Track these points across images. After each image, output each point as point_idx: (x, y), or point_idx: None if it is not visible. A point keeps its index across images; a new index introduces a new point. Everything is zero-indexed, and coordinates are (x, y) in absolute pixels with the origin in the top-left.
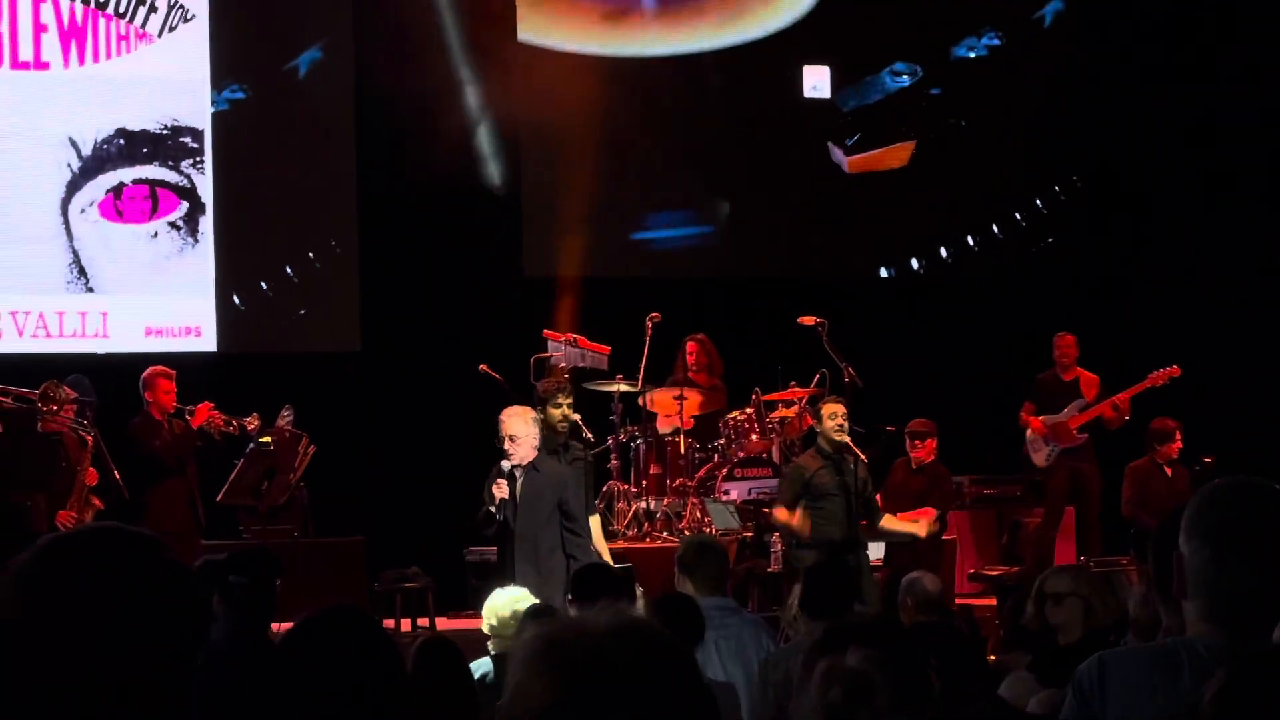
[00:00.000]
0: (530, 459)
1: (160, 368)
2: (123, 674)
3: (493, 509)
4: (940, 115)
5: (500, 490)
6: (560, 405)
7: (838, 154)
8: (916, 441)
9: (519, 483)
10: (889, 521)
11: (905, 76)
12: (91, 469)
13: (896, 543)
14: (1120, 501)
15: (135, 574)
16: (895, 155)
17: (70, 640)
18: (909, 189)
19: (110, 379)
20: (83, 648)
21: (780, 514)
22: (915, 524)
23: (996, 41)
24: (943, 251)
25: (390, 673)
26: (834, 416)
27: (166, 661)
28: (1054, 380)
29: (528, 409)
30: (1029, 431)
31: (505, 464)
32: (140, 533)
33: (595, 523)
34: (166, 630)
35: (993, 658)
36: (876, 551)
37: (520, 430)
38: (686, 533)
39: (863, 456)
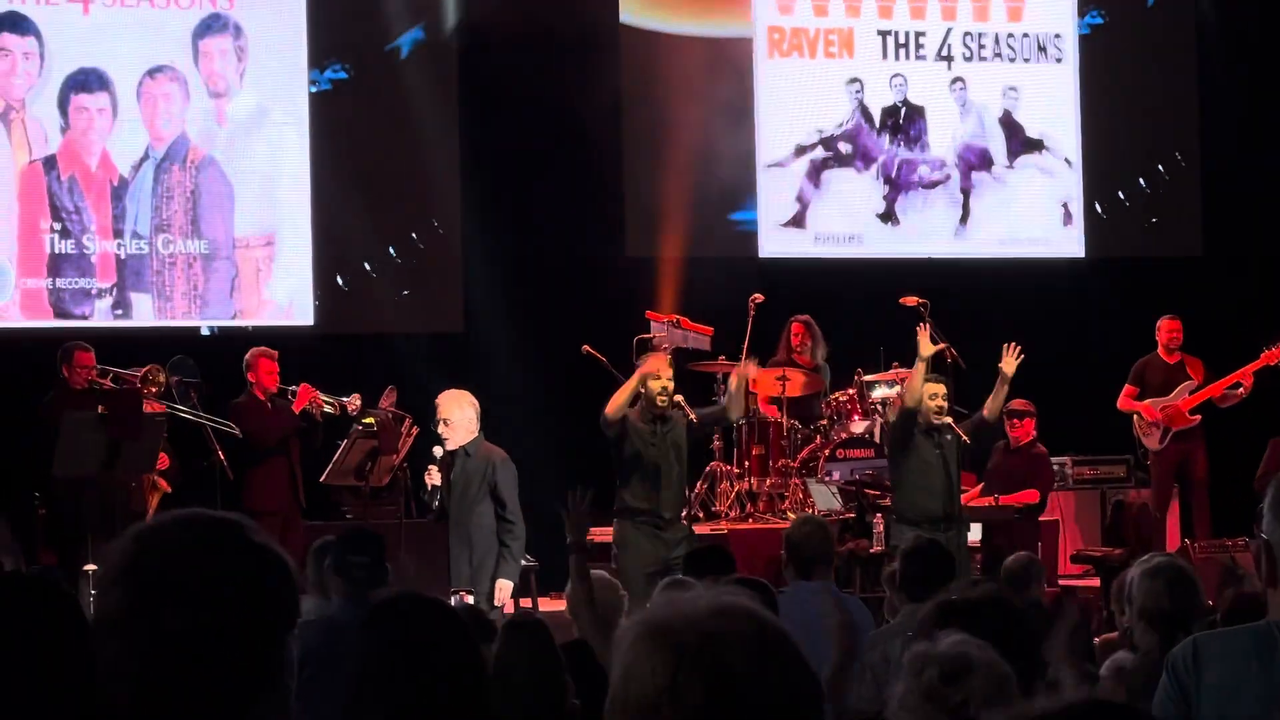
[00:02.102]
0: (464, 443)
1: (263, 348)
2: (218, 653)
3: (424, 496)
4: None
5: (431, 477)
6: (659, 379)
7: None
8: (1014, 421)
9: (452, 468)
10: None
11: None
12: (163, 453)
13: (993, 523)
14: (1228, 484)
15: (223, 557)
16: None
17: (164, 626)
18: None
19: (215, 359)
20: (177, 632)
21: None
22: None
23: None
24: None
25: (459, 658)
26: (934, 397)
27: (259, 639)
28: (1158, 363)
29: (464, 393)
30: (1138, 417)
31: (438, 450)
32: (224, 516)
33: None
34: (257, 609)
35: (1097, 639)
36: (974, 533)
37: (455, 414)
38: (790, 514)
39: (964, 437)
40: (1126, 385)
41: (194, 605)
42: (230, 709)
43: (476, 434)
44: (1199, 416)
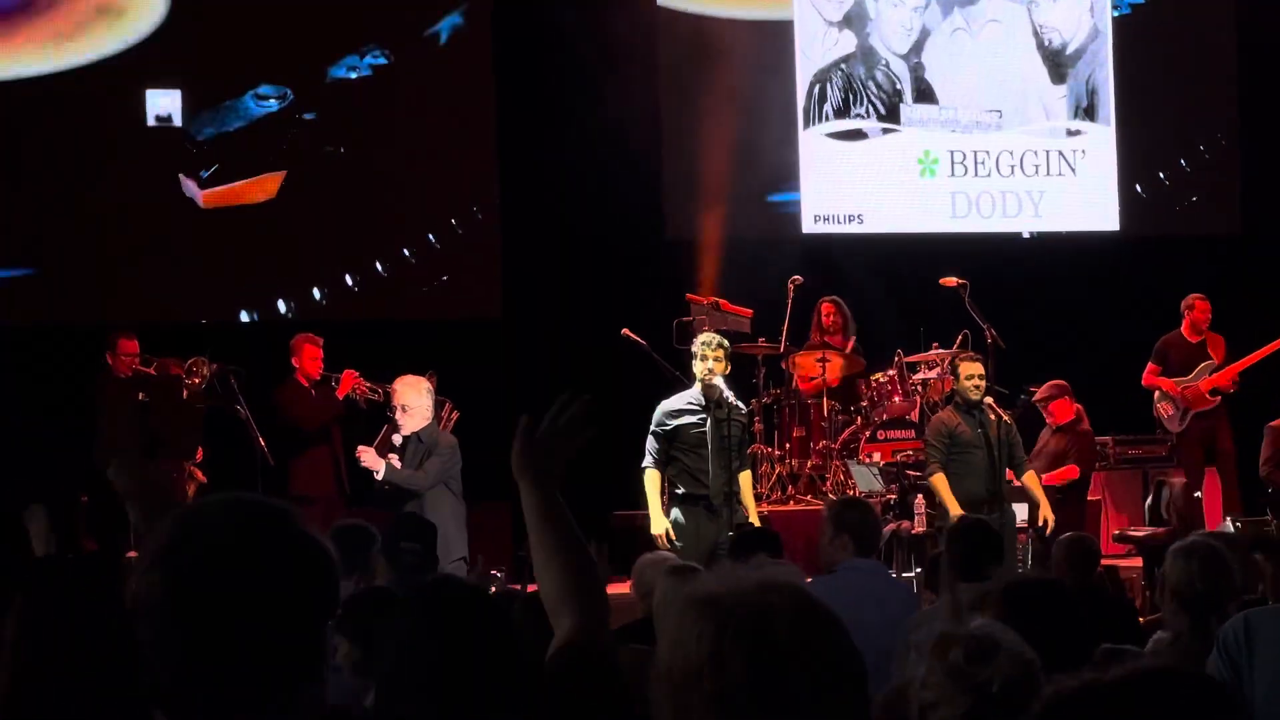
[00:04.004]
0: (418, 430)
1: (308, 334)
2: (259, 641)
3: (377, 482)
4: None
5: (392, 459)
6: (706, 359)
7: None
8: (1047, 407)
9: (406, 454)
10: (1030, 480)
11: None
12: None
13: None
14: (1258, 461)
15: (265, 544)
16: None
17: (205, 612)
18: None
19: (258, 346)
20: (218, 618)
21: (939, 481)
22: (1045, 507)
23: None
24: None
25: (499, 644)
26: (971, 377)
27: (300, 627)
28: (1181, 342)
29: (421, 379)
30: (1159, 393)
31: (396, 438)
32: (267, 501)
33: (745, 479)
34: (298, 597)
35: (1141, 620)
36: (1022, 513)
37: (413, 400)
38: (831, 496)
39: (1006, 417)
40: (1150, 363)
41: (235, 591)
42: (270, 696)
43: (430, 420)
44: (1219, 398)
